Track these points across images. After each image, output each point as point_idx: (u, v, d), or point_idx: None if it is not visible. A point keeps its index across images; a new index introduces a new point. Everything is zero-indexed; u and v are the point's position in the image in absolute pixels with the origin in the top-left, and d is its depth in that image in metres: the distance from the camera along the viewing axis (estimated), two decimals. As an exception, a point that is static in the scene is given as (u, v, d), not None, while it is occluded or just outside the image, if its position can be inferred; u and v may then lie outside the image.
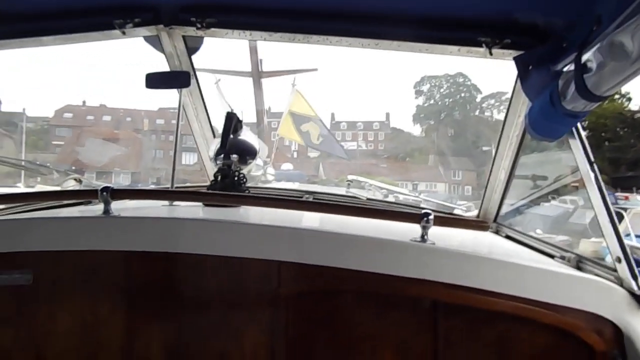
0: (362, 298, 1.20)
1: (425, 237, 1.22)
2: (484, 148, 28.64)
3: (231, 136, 1.70)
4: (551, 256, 1.46)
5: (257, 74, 3.24)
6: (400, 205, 2.46)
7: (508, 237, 1.82)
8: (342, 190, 2.85)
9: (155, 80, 1.78)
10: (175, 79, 1.83)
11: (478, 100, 33.89)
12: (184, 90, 1.86)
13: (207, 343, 1.18)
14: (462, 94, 34.25)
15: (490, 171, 1.96)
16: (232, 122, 1.70)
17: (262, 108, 3.28)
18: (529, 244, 1.66)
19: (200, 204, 1.60)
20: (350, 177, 3.17)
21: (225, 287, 1.19)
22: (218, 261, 1.18)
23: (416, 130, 35.83)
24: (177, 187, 1.83)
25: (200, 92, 2.08)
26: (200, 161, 2.27)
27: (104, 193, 1.22)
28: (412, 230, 1.25)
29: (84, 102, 30.96)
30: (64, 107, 29.82)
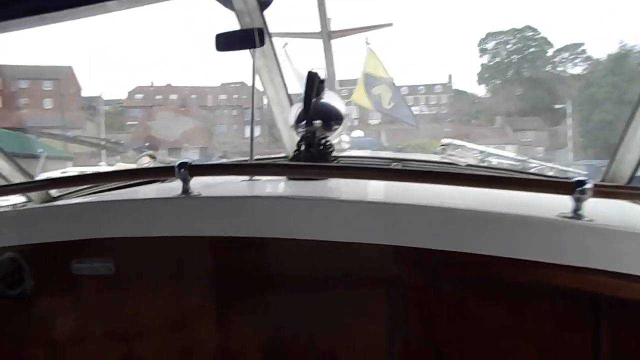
0: (499, 289, 0.98)
1: (580, 212, 0.94)
2: (557, 106, 26.80)
3: (313, 99, 1.51)
4: None
5: (327, 34, 3.05)
6: (510, 172, 2.14)
7: None
8: (432, 157, 2.55)
9: (225, 41, 1.63)
10: (247, 37, 1.63)
11: (549, 54, 31.41)
12: (257, 52, 1.69)
13: (309, 342, 1.02)
14: (531, 49, 31.84)
15: (628, 125, 1.62)
16: (315, 83, 1.50)
17: (332, 72, 3.12)
18: None
19: (282, 177, 1.44)
20: (445, 140, 2.76)
21: (330, 277, 1.02)
22: (322, 247, 1.00)
23: (481, 90, 34.06)
24: (256, 160, 1.70)
25: (274, 52, 1.91)
26: (264, 128, 2.24)
27: (182, 170, 1.05)
28: (545, 202, 1.01)
29: (152, 82, 32.53)
30: (134, 88, 31.56)
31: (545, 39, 31.42)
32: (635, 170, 1.63)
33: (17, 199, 1.91)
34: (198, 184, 1.21)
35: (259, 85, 1.91)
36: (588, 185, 0.92)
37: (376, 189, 1.29)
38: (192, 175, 1.07)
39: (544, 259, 0.91)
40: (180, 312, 1.06)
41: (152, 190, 1.56)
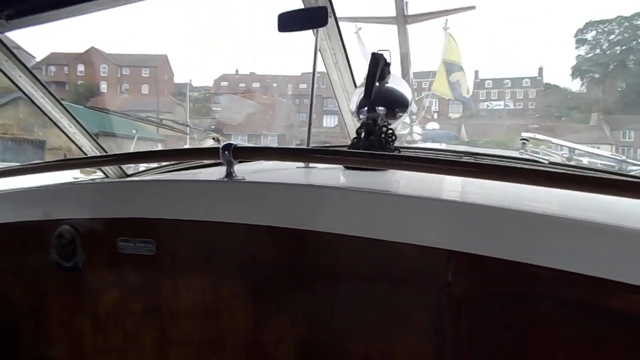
0: (571, 311, 0.83)
1: None
2: (666, 104, 23.98)
3: (377, 84, 1.40)
4: None
5: (402, 18, 2.90)
6: (603, 173, 1.84)
7: None
8: (511, 153, 2.32)
9: (288, 21, 1.56)
10: (310, 17, 1.56)
11: (661, 45, 28.14)
12: (321, 33, 1.61)
13: (346, 345, 0.95)
14: (639, 40, 28.73)
15: None
16: (379, 66, 1.39)
17: (407, 58, 2.98)
18: None
19: (340, 167, 1.34)
20: (525, 134, 2.47)
21: (372, 278, 0.94)
22: (368, 245, 0.92)
23: (575, 85, 31.43)
24: (314, 147, 1.60)
25: (339, 33, 1.80)
26: (341, 118, 2.00)
27: (226, 152, 1.01)
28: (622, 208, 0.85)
29: (236, 70, 34.04)
30: (220, 76, 33.24)
31: (657, 28, 28.14)
32: None
33: (98, 175, 2.08)
34: (254, 170, 1.18)
35: (322, 69, 1.89)
36: None
37: (439, 185, 1.18)
38: (236, 158, 1.03)
39: (629, 280, 0.74)
40: (214, 299, 1.04)
41: (208, 173, 1.49)
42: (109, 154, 1.96)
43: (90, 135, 1.85)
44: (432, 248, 0.87)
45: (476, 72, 32.71)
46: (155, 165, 1.95)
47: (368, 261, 0.93)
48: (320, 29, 1.65)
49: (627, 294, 0.75)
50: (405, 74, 3.12)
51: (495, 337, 0.87)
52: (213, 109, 29.64)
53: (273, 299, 1.00)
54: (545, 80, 31.83)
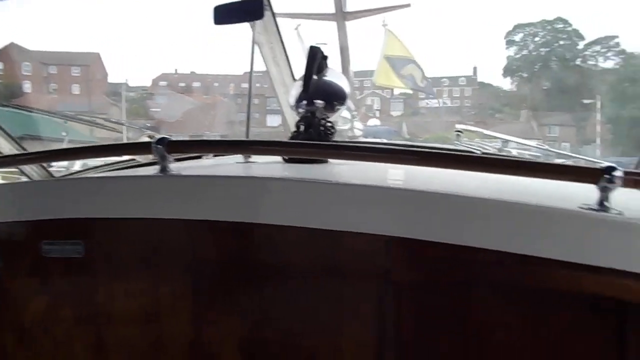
0: (508, 292, 0.84)
1: (607, 203, 0.80)
2: (585, 101, 26.00)
3: (315, 77, 1.40)
4: None
5: (341, 15, 2.91)
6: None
7: None
8: (447, 146, 2.41)
9: (224, 14, 1.54)
10: (246, 10, 1.54)
11: (580, 47, 30.43)
12: (258, 27, 1.61)
13: (292, 340, 0.93)
14: (561, 42, 30.92)
15: None
16: (316, 59, 1.38)
17: (347, 55, 2.99)
18: None
19: (279, 160, 1.34)
20: (459, 126, 2.58)
21: (317, 269, 0.92)
22: (307, 235, 0.90)
23: (506, 84, 33.37)
24: (253, 139, 1.53)
25: (277, 27, 1.81)
26: (282, 114, 2.01)
27: (159, 146, 0.97)
28: (572, 194, 0.87)
29: (176, 69, 32.96)
30: (159, 75, 32.03)
31: (576, 31, 30.43)
32: None
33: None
34: (192, 166, 1.13)
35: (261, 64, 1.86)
36: (618, 173, 0.77)
37: (379, 174, 1.19)
38: (170, 152, 0.99)
39: (562, 257, 0.77)
40: (154, 301, 0.98)
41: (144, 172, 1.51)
42: (29, 151, 1.75)
43: (12, 138, 1.68)
44: (372, 235, 0.86)
45: (415, 72, 33.81)
46: (86, 169, 1.82)
47: (311, 252, 0.92)
48: (258, 23, 1.63)
49: (562, 273, 0.78)
50: (345, 70, 3.11)
51: (437, 323, 0.87)
52: (152, 109, 28.53)
53: (216, 297, 0.97)
54: (479, 79, 33.48)
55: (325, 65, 1.46)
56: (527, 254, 0.78)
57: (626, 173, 0.79)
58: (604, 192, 0.80)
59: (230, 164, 1.37)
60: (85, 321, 1.01)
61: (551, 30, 31.26)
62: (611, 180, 0.78)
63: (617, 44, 28.45)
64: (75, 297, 1.01)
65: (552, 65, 30.76)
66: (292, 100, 1.48)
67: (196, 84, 31.27)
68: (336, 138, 1.53)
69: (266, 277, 0.94)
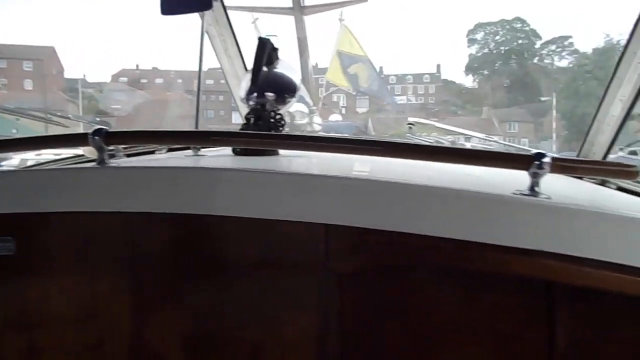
0: (446, 276, 0.87)
1: (537, 188, 0.84)
2: (542, 98, 27.04)
3: (265, 69, 1.39)
4: None
5: (299, 9, 2.88)
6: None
7: (623, 189, 1.40)
8: (401, 140, 2.43)
9: (171, 4, 1.51)
10: (194, 0, 1.54)
11: (537, 46, 31.62)
12: (209, 18, 1.60)
13: (234, 332, 0.92)
14: (520, 41, 32.01)
15: (600, 105, 1.57)
16: (265, 51, 1.36)
17: (306, 50, 2.97)
18: None
19: (229, 153, 1.34)
20: (411, 119, 2.59)
21: (258, 260, 0.91)
22: (247, 225, 0.89)
23: (468, 81, 34.27)
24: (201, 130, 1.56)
25: (227, 19, 1.78)
26: (236, 107, 1.98)
27: (96, 137, 0.94)
28: (509, 182, 0.89)
29: (137, 65, 32.02)
30: (119, 71, 31.03)
31: (534, 30, 31.61)
32: (608, 151, 1.61)
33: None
34: (138, 160, 1.09)
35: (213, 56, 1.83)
36: (546, 159, 0.81)
37: (322, 164, 1.19)
38: (108, 144, 0.97)
39: (495, 241, 0.80)
40: (92, 298, 0.94)
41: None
42: None
43: None
44: (311, 224, 0.86)
45: (381, 68, 34.20)
46: (34, 165, 1.71)
47: (252, 243, 0.91)
48: (208, 14, 1.60)
49: (495, 256, 0.80)
50: (304, 65, 3.10)
51: (378, 309, 0.88)
52: (112, 106, 27.64)
53: (156, 292, 0.94)
54: (443, 77, 34.21)
55: (276, 57, 1.45)
56: (462, 239, 0.80)
57: (554, 159, 0.82)
58: (535, 177, 0.83)
59: (178, 158, 1.32)
60: (16, 323, 0.95)
61: (510, 30, 32.31)
62: (540, 166, 0.82)
63: (571, 44, 29.76)
64: (4, 298, 0.96)
65: (512, 64, 31.79)
66: (242, 92, 1.45)
67: (159, 80, 30.47)
68: (294, 132, 1.52)
69: (207, 269, 0.93)
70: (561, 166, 0.85)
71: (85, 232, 0.94)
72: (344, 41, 4.88)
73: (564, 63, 30.10)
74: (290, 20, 3.03)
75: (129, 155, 1.48)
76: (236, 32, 1.85)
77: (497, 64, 32.15)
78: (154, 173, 0.96)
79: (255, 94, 1.39)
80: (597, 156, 1.64)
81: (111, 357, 0.95)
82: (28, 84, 25.71)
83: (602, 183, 1.50)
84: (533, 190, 0.83)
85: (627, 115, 1.54)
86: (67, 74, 28.49)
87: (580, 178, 1.54)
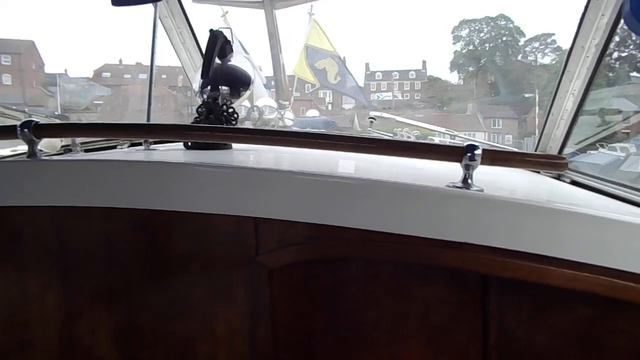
0: (378, 270, 0.86)
1: (470, 180, 0.83)
2: (526, 95, 27.32)
3: (219, 62, 1.38)
4: None
5: (270, 3, 2.83)
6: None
7: (576, 183, 1.40)
8: (363, 134, 2.42)
9: None
10: None
11: (521, 43, 31.93)
12: (164, 10, 1.58)
13: (165, 328, 0.92)
14: (504, 38, 32.31)
15: (553, 99, 1.59)
16: (216, 44, 1.34)
17: (277, 44, 2.93)
18: (614, 194, 1.20)
19: (179, 148, 1.31)
20: (373, 113, 2.56)
21: (188, 254, 0.91)
22: (177, 219, 0.89)
23: (454, 78, 34.50)
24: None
25: (183, 11, 1.75)
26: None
27: (25, 130, 0.93)
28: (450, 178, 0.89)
29: (120, 60, 31.52)
30: (102, 66, 30.51)
31: (518, 27, 31.92)
32: (564, 144, 1.62)
33: None
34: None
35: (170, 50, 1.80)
36: (477, 151, 0.82)
37: (269, 159, 1.18)
38: (38, 137, 0.95)
39: (427, 234, 0.79)
40: (20, 295, 0.93)
41: None
42: None
43: None
44: (241, 217, 0.86)
45: (367, 65, 34.25)
46: None
47: (182, 236, 0.90)
48: (162, 6, 1.59)
49: (426, 249, 0.80)
50: (275, 60, 3.07)
51: (309, 303, 0.88)
52: (94, 102, 27.20)
53: (85, 286, 0.93)
54: (428, 73, 34.36)
55: (230, 50, 1.44)
56: (392, 232, 0.80)
57: (484, 151, 0.83)
58: (467, 170, 0.83)
59: (125, 152, 1.32)
60: None
61: (495, 27, 32.58)
62: (472, 158, 0.82)
63: (554, 41, 30.12)
64: None
65: (496, 60, 32.06)
66: (196, 86, 1.45)
67: (142, 76, 30.03)
68: (263, 127, 1.48)
69: (138, 263, 0.92)
70: (492, 158, 0.84)
71: (16, 227, 0.93)
72: (312, 35, 4.84)
73: (547, 60, 30.45)
74: (261, 14, 2.99)
75: (87, 151, 1.46)
76: (195, 25, 1.83)
77: (482, 61, 32.41)
78: (83, 166, 0.93)
79: (208, 88, 1.38)
80: (553, 150, 1.66)
81: (42, 353, 0.94)
82: (6, 79, 25.15)
83: (558, 177, 1.52)
84: (466, 182, 0.83)
85: (579, 109, 1.54)
86: (48, 69, 27.98)
87: (538, 172, 1.54)
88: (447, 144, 1.96)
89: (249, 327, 0.89)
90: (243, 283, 0.89)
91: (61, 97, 24.21)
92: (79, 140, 1.36)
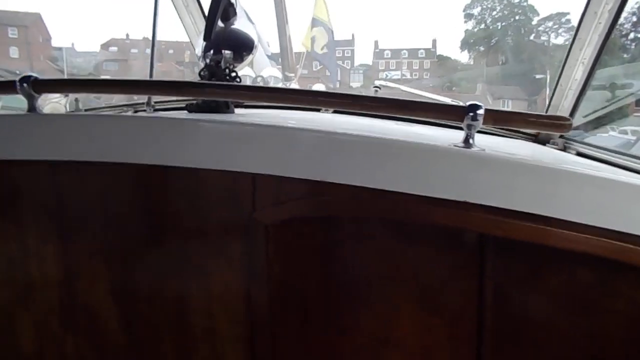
0: (374, 228, 0.86)
1: (471, 140, 0.81)
2: (537, 76, 26.85)
3: (222, 26, 1.34)
4: None
5: None
6: None
7: (582, 154, 1.36)
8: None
9: None
10: None
11: (534, 23, 31.22)
12: None
13: (162, 283, 0.93)
14: (517, 17, 31.59)
15: (562, 69, 1.56)
16: (219, 6, 1.31)
17: (282, 17, 2.87)
18: (621, 164, 1.18)
19: (184, 113, 1.31)
20: (377, 82, 2.52)
21: (183, 210, 0.90)
22: (174, 175, 0.89)
23: (464, 57, 33.97)
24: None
25: None
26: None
27: (24, 85, 0.93)
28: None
29: (127, 34, 31.30)
30: (109, 40, 30.35)
31: (532, 6, 31.17)
32: (572, 114, 1.60)
33: None
34: None
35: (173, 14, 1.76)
36: (480, 111, 0.79)
37: (261, 117, 1.16)
38: (38, 92, 0.94)
39: (425, 193, 0.78)
40: (20, 248, 0.94)
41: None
42: None
43: None
44: (237, 172, 0.85)
45: (376, 42, 33.76)
46: None
47: (179, 192, 0.90)
48: None
49: (425, 207, 0.79)
50: (281, 32, 3.02)
51: (304, 260, 0.88)
52: (101, 76, 27.14)
53: (85, 241, 0.94)
54: (438, 52, 33.83)
55: (234, 13, 1.39)
56: (390, 189, 0.79)
57: (487, 110, 0.80)
58: (469, 129, 0.81)
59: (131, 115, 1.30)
60: None
61: (507, 5, 31.83)
62: (475, 118, 0.80)
63: (568, 21, 29.39)
64: None
65: (508, 40, 31.45)
66: (199, 50, 1.40)
67: (149, 51, 29.86)
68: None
69: (135, 219, 0.92)
70: (494, 118, 0.82)
71: (14, 181, 0.93)
72: (317, 7, 4.81)
73: (560, 40, 29.79)
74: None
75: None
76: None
77: (493, 40, 31.81)
78: (82, 121, 0.93)
79: (211, 51, 1.34)
80: None
81: (41, 306, 0.95)
82: (13, 52, 25.08)
83: (564, 148, 1.49)
84: (467, 142, 0.81)
85: (589, 79, 1.50)
86: (55, 42, 27.88)
87: (544, 145, 1.52)
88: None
89: (244, 283, 0.89)
90: (239, 239, 0.88)
91: (68, 71, 24.15)
92: (82, 107, 1.36)
